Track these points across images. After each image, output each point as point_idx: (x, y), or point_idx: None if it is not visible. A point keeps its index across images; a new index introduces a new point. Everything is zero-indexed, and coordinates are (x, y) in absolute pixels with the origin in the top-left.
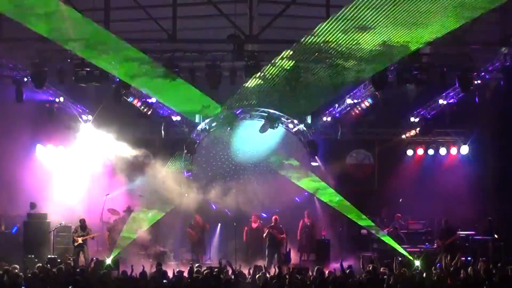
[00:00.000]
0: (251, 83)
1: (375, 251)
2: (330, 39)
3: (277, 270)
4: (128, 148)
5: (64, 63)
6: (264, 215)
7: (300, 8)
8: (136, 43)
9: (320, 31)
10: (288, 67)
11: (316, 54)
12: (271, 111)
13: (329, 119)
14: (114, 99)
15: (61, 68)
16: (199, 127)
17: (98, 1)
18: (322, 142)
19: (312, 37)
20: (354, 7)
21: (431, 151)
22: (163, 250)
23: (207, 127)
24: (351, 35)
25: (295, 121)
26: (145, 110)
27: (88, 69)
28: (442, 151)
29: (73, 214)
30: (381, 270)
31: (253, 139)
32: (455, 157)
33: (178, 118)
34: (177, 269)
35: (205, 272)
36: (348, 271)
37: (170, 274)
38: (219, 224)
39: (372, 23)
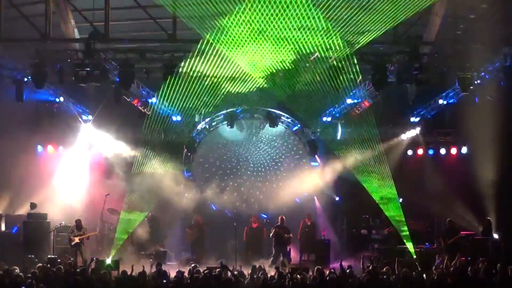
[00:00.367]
0: None
1: (375, 251)
2: None
3: (276, 273)
4: (128, 148)
5: (64, 63)
6: (264, 216)
7: None
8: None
9: None
10: None
11: None
12: (272, 110)
13: (329, 119)
14: (114, 99)
15: (61, 68)
16: (199, 127)
17: (98, 1)
18: (322, 142)
19: None
20: None
21: (431, 151)
22: (163, 250)
23: (207, 127)
24: None
25: (296, 121)
26: (145, 110)
27: (88, 69)
28: (442, 151)
29: (73, 214)
30: (383, 270)
31: (253, 139)
32: (455, 157)
33: (178, 118)
34: (177, 269)
35: (205, 272)
36: (348, 271)
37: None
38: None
39: None
